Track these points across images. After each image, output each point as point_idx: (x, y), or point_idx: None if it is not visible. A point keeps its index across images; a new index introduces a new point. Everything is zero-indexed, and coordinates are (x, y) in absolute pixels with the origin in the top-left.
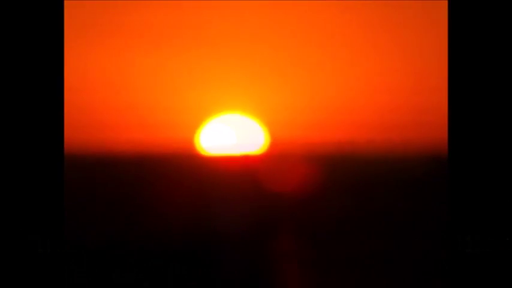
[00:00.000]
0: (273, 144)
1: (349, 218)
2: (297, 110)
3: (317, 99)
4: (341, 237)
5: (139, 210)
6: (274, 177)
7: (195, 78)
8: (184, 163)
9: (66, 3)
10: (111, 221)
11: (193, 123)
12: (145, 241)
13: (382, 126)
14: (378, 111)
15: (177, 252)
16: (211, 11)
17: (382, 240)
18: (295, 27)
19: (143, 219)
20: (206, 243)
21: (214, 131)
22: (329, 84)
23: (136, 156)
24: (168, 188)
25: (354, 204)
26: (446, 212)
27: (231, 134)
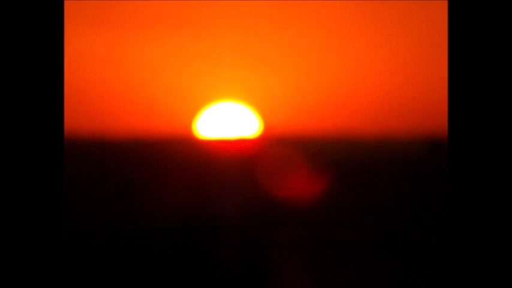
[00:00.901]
0: (267, 132)
1: (345, 204)
2: (292, 100)
3: (314, 88)
4: (336, 225)
5: (137, 194)
6: (269, 168)
7: (191, 69)
8: (182, 148)
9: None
10: (108, 205)
11: (190, 111)
12: (142, 225)
13: (378, 117)
14: (377, 110)
15: (174, 237)
16: (207, 2)
17: (378, 228)
18: (292, 18)
19: (141, 203)
20: (203, 226)
21: (210, 118)
22: (324, 79)
23: (135, 141)
24: (166, 172)
25: (350, 191)
26: (446, 200)
27: (226, 121)
